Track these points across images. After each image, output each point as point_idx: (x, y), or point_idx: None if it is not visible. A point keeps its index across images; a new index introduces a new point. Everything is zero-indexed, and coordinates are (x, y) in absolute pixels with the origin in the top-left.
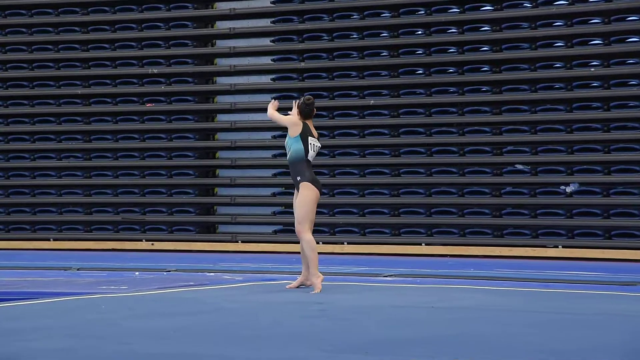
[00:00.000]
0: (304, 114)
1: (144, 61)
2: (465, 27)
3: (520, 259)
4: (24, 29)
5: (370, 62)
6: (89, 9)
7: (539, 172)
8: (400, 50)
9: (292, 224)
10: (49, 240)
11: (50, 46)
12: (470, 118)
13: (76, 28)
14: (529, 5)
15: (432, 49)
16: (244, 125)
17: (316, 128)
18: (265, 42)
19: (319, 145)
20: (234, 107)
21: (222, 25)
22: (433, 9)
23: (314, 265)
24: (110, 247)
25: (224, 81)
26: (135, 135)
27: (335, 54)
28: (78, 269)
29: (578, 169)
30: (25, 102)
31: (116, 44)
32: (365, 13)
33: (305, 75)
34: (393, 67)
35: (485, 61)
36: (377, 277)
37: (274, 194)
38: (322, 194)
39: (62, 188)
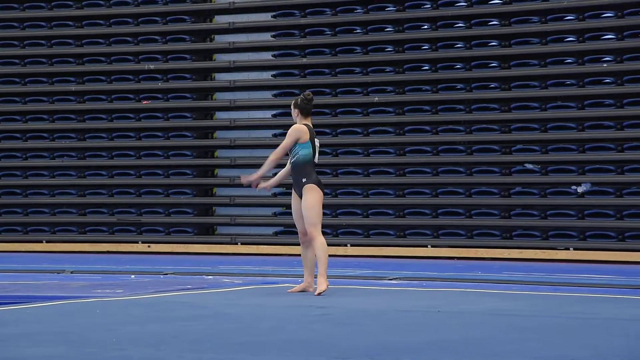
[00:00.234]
0: (305, 111)
1: (140, 57)
2: (472, 22)
3: (529, 262)
4: (15, 24)
5: (375, 57)
6: (83, 3)
7: (550, 172)
8: (405, 46)
9: (293, 226)
10: (41, 242)
11: (43, 41)
12: (479, 115)
13: (70, 22)
14: None
15: (439, 44)
16: (244, 123)
17: (318, 126)
18: (266, 37)
19: (319, 144)
20: (234, 105)
21: (221, 20)
22: (439, 2)
23: (325, 267)
24: (105, 250)
25: (223, 77)
26: (131, 134)
27: (338, 49)
28: (72, 272)
29: (590, 169)
30: (17, 99)
31: (111, 39)
32: (369, 7)
33: (307, 71)
34: (398, 63)
35: (493, 57)
36: (382, 280)
37: (274, 195)
38: (325, 194)
39: (55, 188)
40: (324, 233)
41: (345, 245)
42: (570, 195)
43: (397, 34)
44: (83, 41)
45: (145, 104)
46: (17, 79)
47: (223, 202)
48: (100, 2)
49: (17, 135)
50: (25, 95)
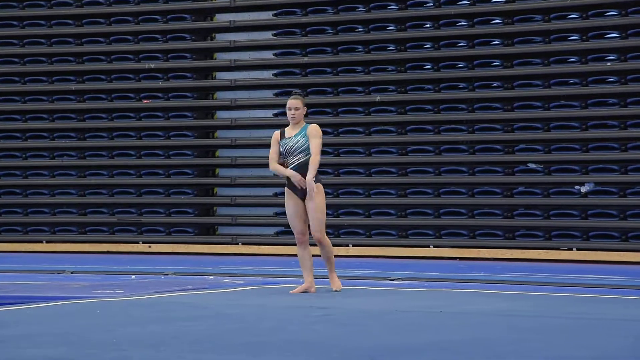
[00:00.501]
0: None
1: (141, 55)
2: (475, 20)
3: (532, 262)
4: (15, 22)
5: (377, 56)
6: (83, 1)
7: (553, 172)
8: (407, 44)
9: None
10: (41, 242)
11: (42, 40)
12: (481, 115)
13: (69, 21)
14: None
15: (441, 42)
16: (245, 122)
17: (320, 125)
18: (267, 36)
19: None
20: (235, 104)
21: (222, 18)
22: (442, 1)
23: (334, 266)
24: (106, 250)
25: (223, 76)
26: (132, 133)
27: (339, 48)
28: (72, 272)
29: (593, 168)
30: (16, 98)
31: (111, 38)
32: (371, 5)
33: (308, 70)
34: (400, 62)
35: (496, 55)
36: (384, 281)
37: (275, 194)
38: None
39: (55, 188)
40: (325, 233)
41: (347, 246)
42: (574, 195)
43: (399, 32)
44: (83, 40)
45: (145, 103)
46: (16, 78)
47: (224, 202)
48: (100, 0)
49: (17, 134)
50: (24, 95)
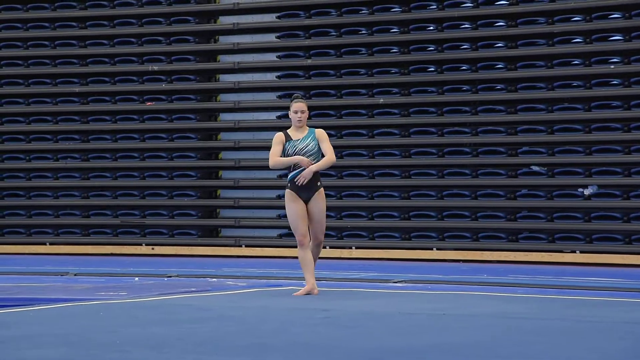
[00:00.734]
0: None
1: (144, 58)
2: (479, 23)
3: (536, 265)
4: (19, 25)
5: (380, 59)
6: (87, 4)
7: (556, 174)
8: (411, 47)
9: None
10: (45, 244)
11: (46, 42)
12: (484, 117)
13: (73, 23)
14: None
15: (445, 45)
16: (248, 124)
17: (323, 128)
18: (271, 38)
19: None
20: (238, 106)
21: (226, 21)
22: (445, 3)
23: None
24: (109, 252)
25: (227, 79)
26: (135, 135)
27: (343, 50)
28: (75, 274)
29: (597, 171)
30: (20, 100)
31: (115, 40)
32: (375, 8)
33: (311, 72)
34: (403, 64)
35: (500, 58)
36: (387, 283)
37: (278, 197)
38: (325, 197)
39: (58, 190)
40: (328, 236)
41: (350, 248)
42: (577, 197)
43: (403, 35)
44: (87, 42)
45: (149, 105)
46: (20, 81)
47: (227, 204)
48: (104, 3)
49: (21, 137)
50: (28, 97)
